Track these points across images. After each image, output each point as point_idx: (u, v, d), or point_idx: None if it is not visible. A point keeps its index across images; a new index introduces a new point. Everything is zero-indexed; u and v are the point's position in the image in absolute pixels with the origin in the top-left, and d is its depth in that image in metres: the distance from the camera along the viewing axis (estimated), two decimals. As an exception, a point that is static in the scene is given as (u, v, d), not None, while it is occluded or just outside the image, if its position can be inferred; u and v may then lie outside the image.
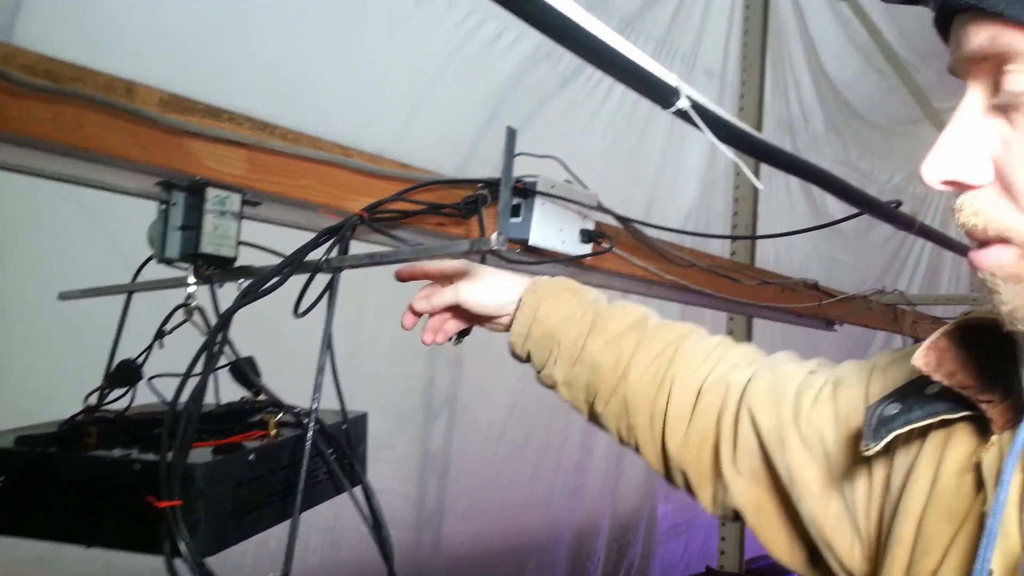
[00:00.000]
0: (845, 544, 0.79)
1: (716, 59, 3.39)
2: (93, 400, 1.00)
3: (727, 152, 0.84)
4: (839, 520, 0.80)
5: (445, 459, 2.86)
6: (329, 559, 2.40)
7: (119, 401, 1.02)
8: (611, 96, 2.97)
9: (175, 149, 0.98)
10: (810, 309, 2.24)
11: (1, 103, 0.82)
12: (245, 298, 0.89)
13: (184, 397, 0.80)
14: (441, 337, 1.07)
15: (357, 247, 1.05)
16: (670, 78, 0.84)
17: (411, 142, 2.37)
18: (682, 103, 0.82)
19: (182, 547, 0.73)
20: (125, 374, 1.02)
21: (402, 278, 1.09)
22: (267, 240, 1.10)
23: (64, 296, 1.15)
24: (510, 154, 0.85)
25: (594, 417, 1.02)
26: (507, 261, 1.43)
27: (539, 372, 1.04)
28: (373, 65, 2.33)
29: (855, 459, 0.79)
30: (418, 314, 1.05)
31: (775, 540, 0.88)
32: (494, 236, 0.85)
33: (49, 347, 1.79)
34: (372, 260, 0.93)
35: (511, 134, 0.85)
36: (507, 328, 1.04)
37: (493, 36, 2.60)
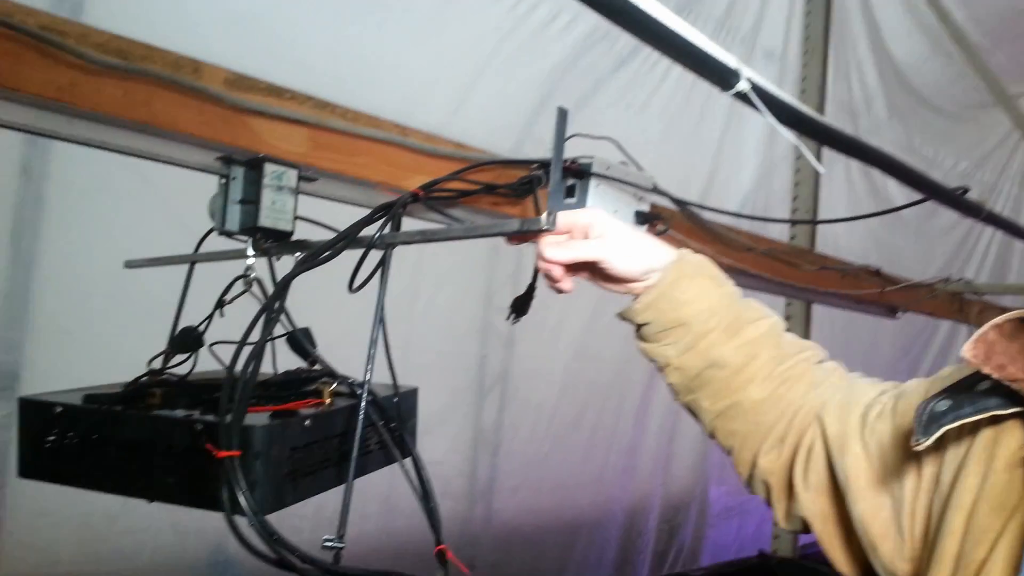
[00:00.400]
0: (889, 546, 0.80)
1: (777, 41, 3.31)
2: (157, 364, 1.03)
3: (788, 136, 0.82)
4: (887, 524, 0.80)
5: (498, 436, 2.89)
6: (384, 527, 2.46)
7: (182, 366, 1.06)
8: (668, 77, 2.93)
9: (239, 127, 1.01)
10: (872, 296, 2.19)
11: (75, 80, 0.86)
12: (301, 267, 0.92)
13: (243, 362, 0.83)
14: (568, 285, 0.99)
15: (412, 224, 1.06)
16: (730, 60, 0.83)
17: (465, 123, 2.38)
18: (742, 85, 0.81)
19: (241, 499, 0.74)
20: (187, 340, 1.06)
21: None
22: (325, 217, 1.12)
23: (130, 264, 1.19)
24: (561, 135, 0.84)
25: (691, 405, 1.00)
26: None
27: (646, 342, 1.00)
28: (427, 46, 2.35)
29: (906, 456, 0.79)
30: (551, 262, 0.97)
31: (837, 551, 0.88)
32: (544, 216, 0.86)
33: (113, 313, 1.86)
34: (424, 237, 0.94)
35: (562, 115, 0.84)
36: (635, 291, 0.98)
37: (548, 18, 2.59)
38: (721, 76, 0.84)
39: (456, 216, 1.28)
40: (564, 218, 0.95)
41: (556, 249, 0.95)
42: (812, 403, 0.92)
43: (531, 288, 1.15)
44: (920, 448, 0.69)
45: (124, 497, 0.88)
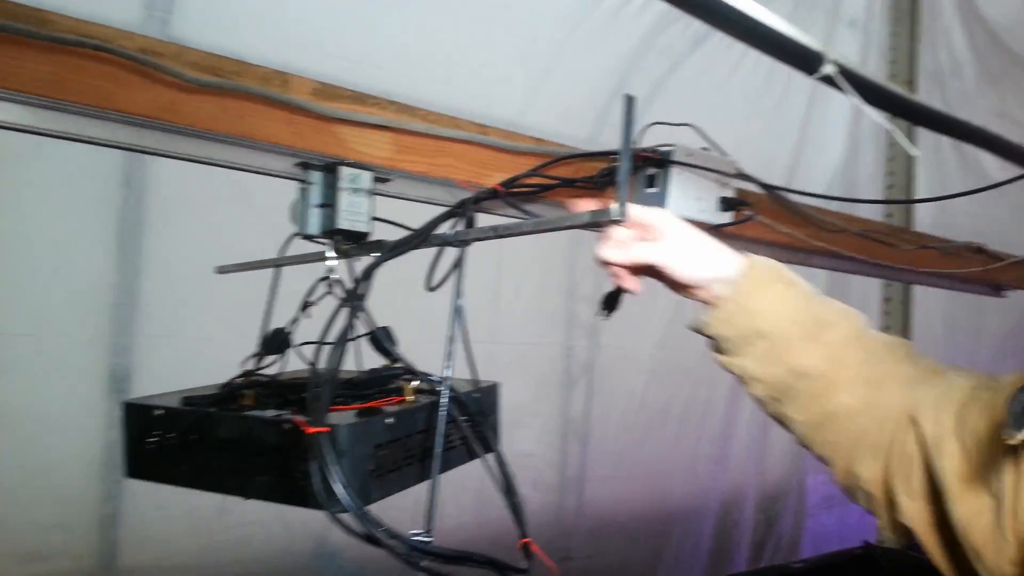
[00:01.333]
0: (993, 550, 0.75)
1: (859, 8, 3.17)
2: (250, 365, 1.08)
3: (879, 119, 0.79)
4: (989, 527, 0.75)
5: (587, 426, 2.89)
6: (479, 516, 2.50)
7: (272, 366, 1.10)
8: (749, 53, 2.85)
9: (327, 135, 1.04)
10: (975, 274, 2.08)
11: (174, 99, 0.90)
12: (386, 256, 0.96)
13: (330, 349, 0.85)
14: (632, 285, 0.96)
15: (488, 221, 1.07)
16: (812, 42, 0.80)
17: (541, 111, 2.38)
18: (827, 68, 0.78)
19: (331, 474, 0.76)
20: (276, 342, 1.10)
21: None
22: (404, 215, 1.14)
23: (221, 270, 1.25)
24: (628, 123, 0.83)
25: (779, 417, 0.95)
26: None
27: (725, 356, 0.95)
28: (502, 35, 2.35)
29: (1002, 451, 0.74)
30: (608, 263, 0.95)
31: (942, 559, 0.82)
32: (613, 207, 0.84)
33: (215, 315, 1.95)
34: (496, 233, 0.95)
35: (629, 102, 0.83)
36: (700, 298, 0.95)
37: (622, 0, 2.56)
38: (804, 60, 0.81)
39: (535, 212, 1.29)
40: (636, 214, 0.94)
41: (613, 251, 0.93)
42: (906, 404, 0.87)
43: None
44: (1012, 442, 0.65)
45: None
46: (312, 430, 0.77)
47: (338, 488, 0.76)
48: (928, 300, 3.40)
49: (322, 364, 0.85)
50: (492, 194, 1.20)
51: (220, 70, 0.93)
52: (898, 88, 0.88)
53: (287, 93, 0.99)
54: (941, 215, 3.44)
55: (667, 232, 0.93)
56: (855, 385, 0.89)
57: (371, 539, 0.76)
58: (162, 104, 0.89)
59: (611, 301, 1.19)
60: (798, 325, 0.90)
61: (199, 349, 1.90)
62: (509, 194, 1.23)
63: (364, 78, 1.25)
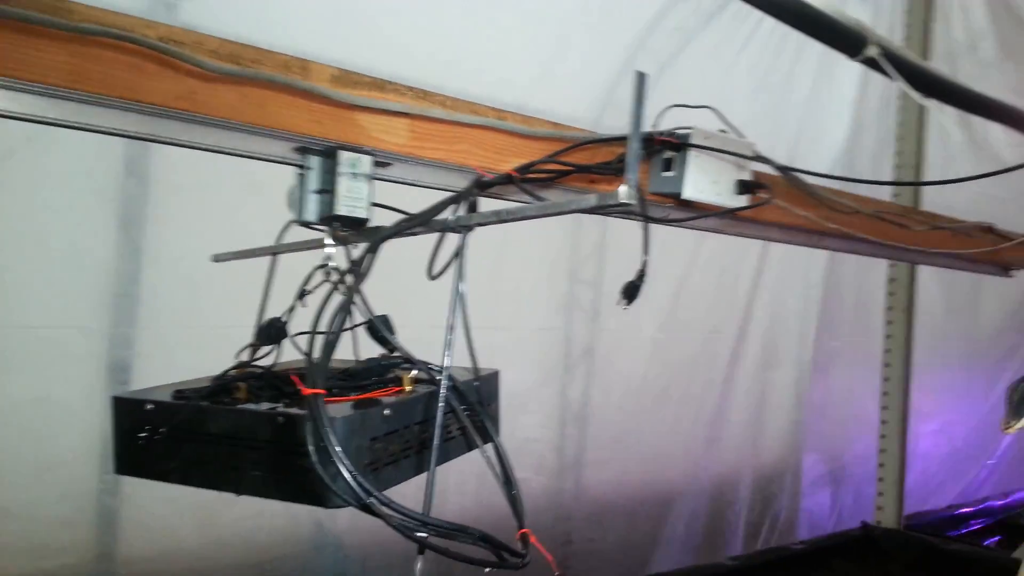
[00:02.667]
0: None
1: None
2: (244, 356, 1.05)
3: (924, 102, 0.77)
4: None
5: (587, 410, 2.89)
6: (482, 501, 2.50)
7: (268, 357, 1.07)
8: (758, 31, 2.81)
9: (346, 123, 1.01)
10: (985, 255, 2.07)
11: (193, 88, 0.87)
12: (389, 234, 0.95)
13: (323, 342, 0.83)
14: None
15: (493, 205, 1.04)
16: (854, 23, 0.77)
17: (549, 94, 2.34)
18: (871, 51, 0.76)
19: (325, 437, 0.74)
20: (272, 332, 1.08)
21: None
22: (419, 204, 1.11)
23: (218, 258, 1.22)
24: (639, 101, 0.80)
25: None
26: (651, 220, 1.36)
27: None
28: (510, 15, 2.32)
29: None
30: None
31: None
32: (622, 189, 0.82)
33: (217, 304, 1.91)
34: (499, 218, 0.93)
35: (640, 79, 0.80)
36: None
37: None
38: (846, 41, 0.79)
39: (546, 197, 1.26)
40: None
41: None
42: None
43: (641, 274, 1.13)
44: (1009, 431, 0.62)
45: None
46: (309, 391, 0.76)
47: (333, 450, 0.74)
48: (928, 282, 3.40)
49: (316, 354, 0.83)
50: (507, 179, 1.17)
51: (240, 57, 0.90)
52: (945, 72, 0.86)
53: (307, 80, 0.95)
54: (940, 193, 3.42)
55: None
56: None
57: (366, 508, 0.76)
58: (181, 93, 0.86)
59: (632, 291, 1.17)
60: None
61: (202, 339, 1.87)
62: (524, 180, 1.21)
63: (371, 62, 1.22)
